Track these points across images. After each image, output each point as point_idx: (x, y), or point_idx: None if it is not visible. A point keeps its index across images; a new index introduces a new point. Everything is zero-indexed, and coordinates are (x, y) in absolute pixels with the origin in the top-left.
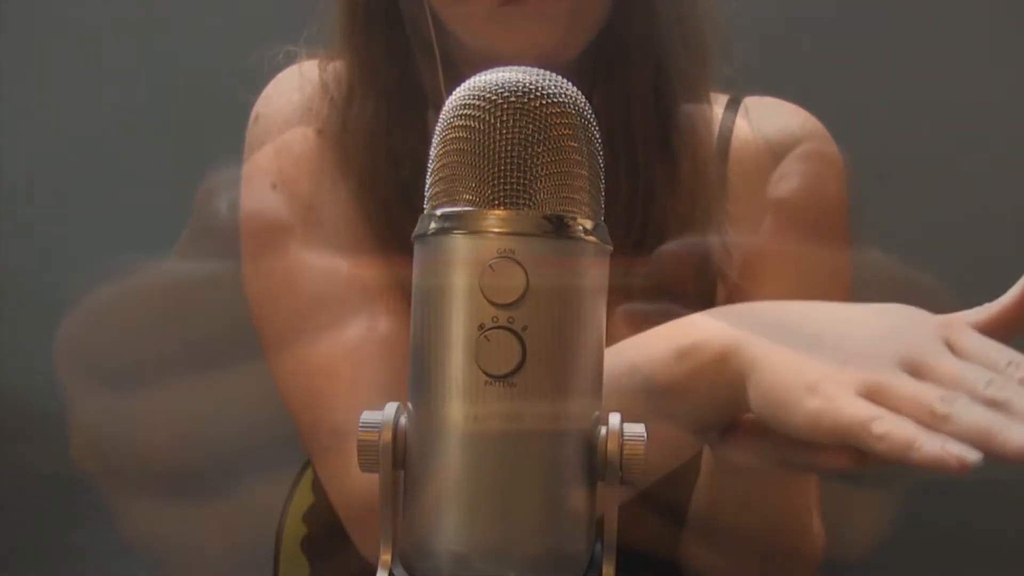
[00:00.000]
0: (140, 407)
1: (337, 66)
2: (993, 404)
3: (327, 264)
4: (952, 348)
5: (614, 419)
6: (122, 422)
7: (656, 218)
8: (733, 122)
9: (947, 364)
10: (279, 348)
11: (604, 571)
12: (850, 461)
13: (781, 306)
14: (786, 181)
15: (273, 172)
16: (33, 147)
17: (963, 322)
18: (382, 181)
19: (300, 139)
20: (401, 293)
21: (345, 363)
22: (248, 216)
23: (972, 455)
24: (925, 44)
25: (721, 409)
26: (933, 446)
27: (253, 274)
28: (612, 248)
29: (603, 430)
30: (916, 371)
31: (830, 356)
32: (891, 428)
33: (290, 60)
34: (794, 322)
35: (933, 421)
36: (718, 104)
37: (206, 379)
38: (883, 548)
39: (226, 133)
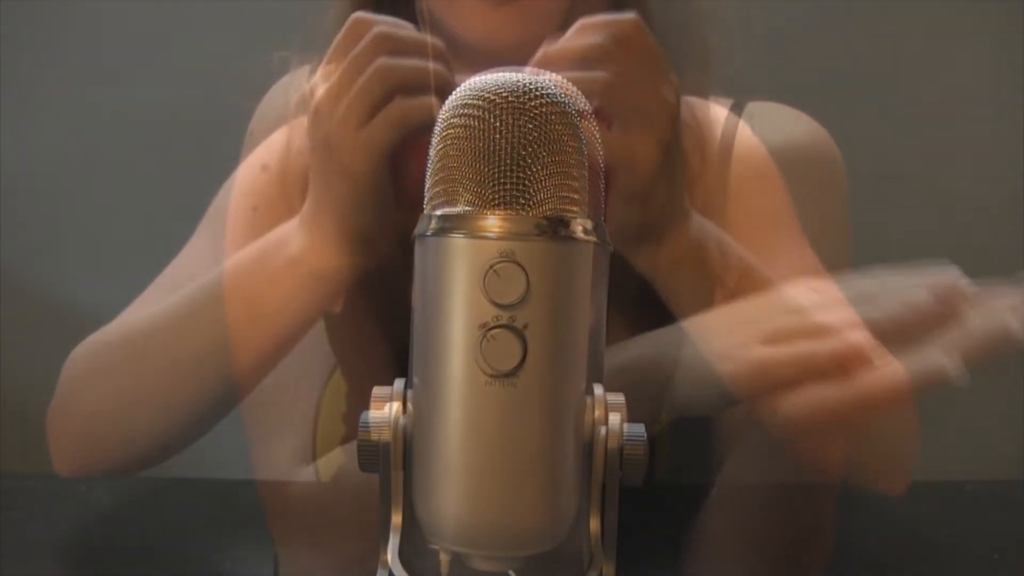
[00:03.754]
0: None
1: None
2: None
3: None
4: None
5: (614, 418)
6: None
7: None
8: (736, 127)
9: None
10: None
11: (604, 571)
12: None
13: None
14: (788, 187)
15: (255, 194)
16: (33, 148)
17: None
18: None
19: (281, 159)
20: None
21: None
22: (230, 238)
23: None
24: (926, 46)
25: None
26: None
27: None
28: (612, 248)
29: (603, 430)
30: None
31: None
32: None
33: (284, 66)
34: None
35: None
36: (721, 108)
37: None
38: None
39: (223, 134)
